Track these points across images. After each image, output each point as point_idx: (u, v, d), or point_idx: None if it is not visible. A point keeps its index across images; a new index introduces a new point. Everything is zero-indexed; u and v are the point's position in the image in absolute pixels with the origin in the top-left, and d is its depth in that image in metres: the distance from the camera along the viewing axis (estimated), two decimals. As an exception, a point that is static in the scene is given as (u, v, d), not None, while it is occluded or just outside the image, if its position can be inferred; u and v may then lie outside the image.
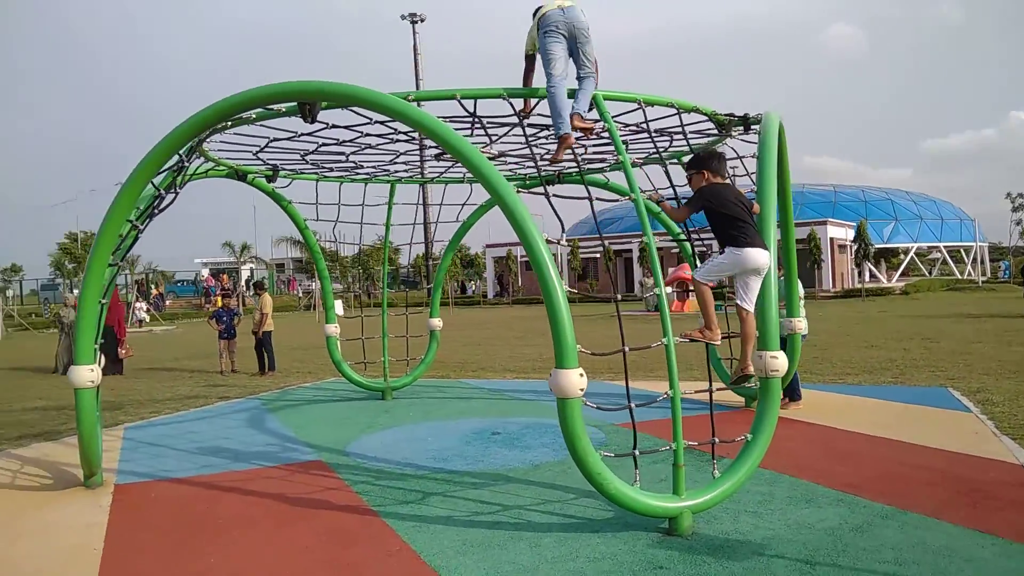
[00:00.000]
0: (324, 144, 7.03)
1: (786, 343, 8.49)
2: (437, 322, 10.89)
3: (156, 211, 6.98)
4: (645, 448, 5.27)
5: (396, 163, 8.50)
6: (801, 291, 8.79)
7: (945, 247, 54.60)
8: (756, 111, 6.72)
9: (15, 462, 7.42)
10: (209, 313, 20.99)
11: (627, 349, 5.02)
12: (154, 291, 44.92)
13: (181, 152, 6.23)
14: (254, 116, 5.91)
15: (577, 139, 5.66)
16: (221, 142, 7.12)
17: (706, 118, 6.65)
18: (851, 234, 41.48)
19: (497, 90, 5.51)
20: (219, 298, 24.48)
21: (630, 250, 46.33)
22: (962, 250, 55.58)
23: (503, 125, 6.19)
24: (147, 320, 35.26)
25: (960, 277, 52.28)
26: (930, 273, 56.18)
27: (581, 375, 4.60)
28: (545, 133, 6.82)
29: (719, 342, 5.49)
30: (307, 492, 6.09)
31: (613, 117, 6.36)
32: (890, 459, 6.51)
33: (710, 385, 5.41)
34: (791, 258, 8.29)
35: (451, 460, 6.95)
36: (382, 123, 6.15)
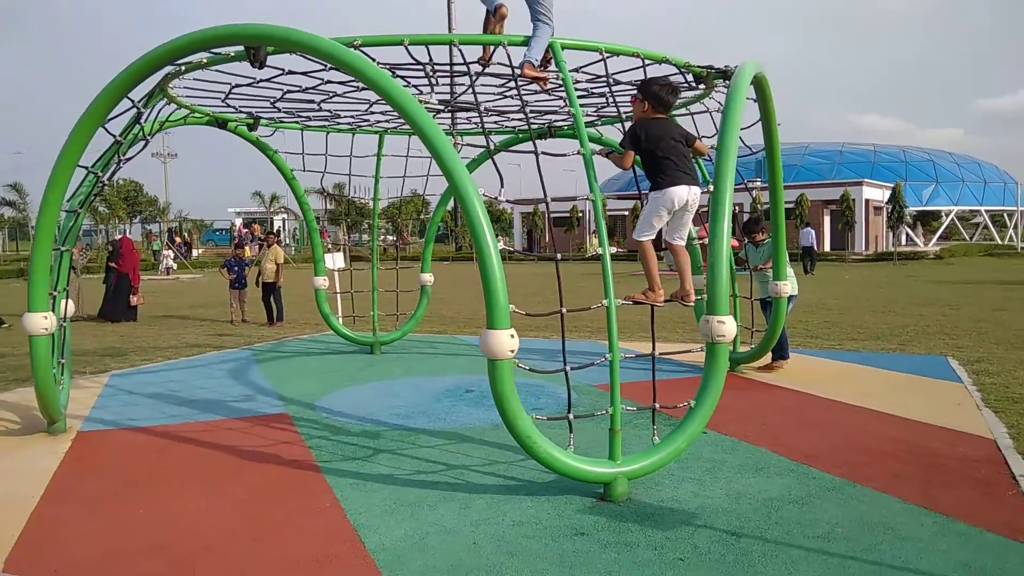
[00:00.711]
0: (290, 91, 6.87)
1: (771, 305, 8.30)
2: (428, 277, 10.80)
3: (120, 159, 6.92)
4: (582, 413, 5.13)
5: (377, 113, 8.30)
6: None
7: (987, 211, 53.00)
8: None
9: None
10: (221, 263, 21.20)
11: (564, 311, 4.86)
12: (176, 239, 45.47)
13: (136, 100, 6.12)
14: (205, 60, 5.76)
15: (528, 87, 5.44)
16: (196, 89, 6.99)
17: (678, 71, 6.34)
18: (888, 195, 40.37)
19: (448, 36, 5.29)
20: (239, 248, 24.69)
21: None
22: (1005, 214, 53.87)
23: (465, 74, 5.94)
24: (175, 268, 35.75)
25: (1000, 242, 50.76)
26: (971, 238, 54.60)
27: (512, 336, 4.47)
28: (503, 84, 6.57)
29: (662, 303, 5.29)
30: (260, 445, 6.08)
31: (578, 69, 6.15)
32: (861, 430, 6.31)
33: (653, 349, 5.23)
34: (779, 220, 8.02)
35: (415, 417, 6.90)
36: (338, 69, 5.95)
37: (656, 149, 5.04)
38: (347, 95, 7.01)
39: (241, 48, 5.32)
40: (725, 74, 6.49)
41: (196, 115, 8.04)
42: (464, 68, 5.29)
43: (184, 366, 10.05)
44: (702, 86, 6.90)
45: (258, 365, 9.94)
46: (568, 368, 4.84)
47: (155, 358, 10.76)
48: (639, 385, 7.78)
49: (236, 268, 16.53)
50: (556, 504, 4.74)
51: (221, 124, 8.52)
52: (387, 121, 8.98)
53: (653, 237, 5.18)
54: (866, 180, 44.44)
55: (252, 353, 11.01)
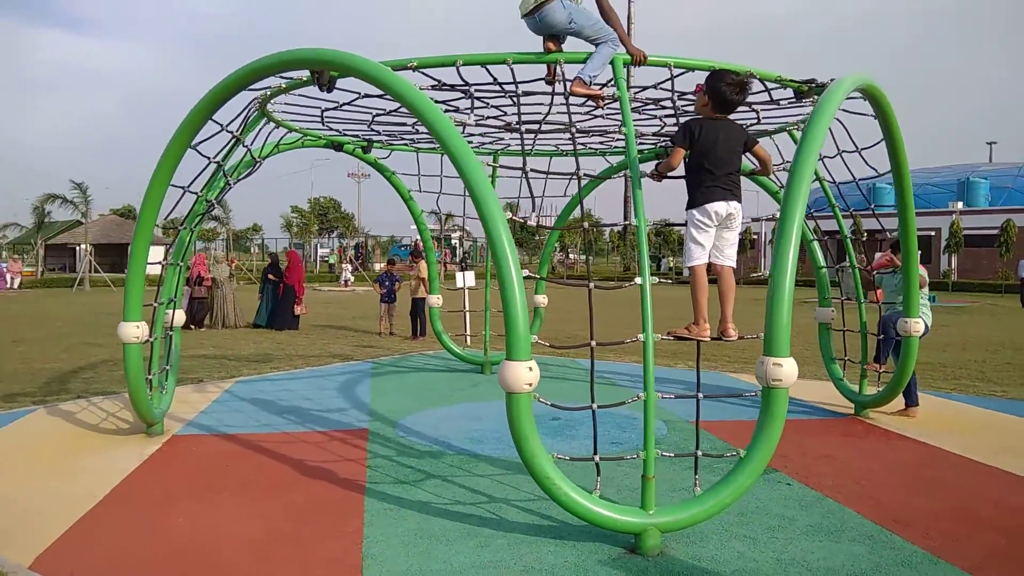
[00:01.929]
0: (379, 114, 6.98)
1: (900, 346, 7.41)
2: (542, 299, 10.62)
3: (229, 181, 7.33)
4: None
5: (477, 135, 8.27)
6: (925, 289, 7.58)
7: None
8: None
9: (117, 404, 8.19)
10: (375, 277, 22.17)
11: (594, 344, 4.51)
12: (338, 251, 48.37)
13: (232, 125, 6.45)
14: (284, 85, 5.97)
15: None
16: (303, 114, 7.28)
17: (775, 87, 5.77)
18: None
19: (501, 55, 5.13)
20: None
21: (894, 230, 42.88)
22: None
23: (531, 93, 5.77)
24: (352, 280, 37.94)
25: None
26: None
27: (531, 368, 4.21)
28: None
29: (707, 339, 4.77)
30: (322, 460, 6.16)
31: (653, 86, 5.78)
32: (978, 494, 5.41)
33: (697, 389, 4.75)
34: (911, 249, 7.12)
35: (486, 443, 6.73)
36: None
37: (705, 154, 4.60)
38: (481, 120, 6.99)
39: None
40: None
41: (311, 138, 8.37)
42: (513, 88, 5.11)
43: (306, 376, 10.50)
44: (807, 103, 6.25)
45: (371, 379, 10.18)
46: (595, 406, 4.48)
47: (287, 366, 11.34)
48: (731, 425, 7.18)
49: (387, 283, 17.23)
50: (580, 552, 4.39)
51: (337, 147, 8.83)
52: (491, 142, 8.94)
53: (704, 261, 4.70)
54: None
55: (372, 366, 11.32)
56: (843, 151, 7.03)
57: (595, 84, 5.28)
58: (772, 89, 5.86)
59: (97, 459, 6.18)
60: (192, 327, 16.88)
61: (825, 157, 7.37)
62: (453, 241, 60.24)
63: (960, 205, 42.76)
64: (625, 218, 48.65)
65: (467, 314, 11.95)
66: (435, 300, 10.59)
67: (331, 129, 7.90)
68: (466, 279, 12.33)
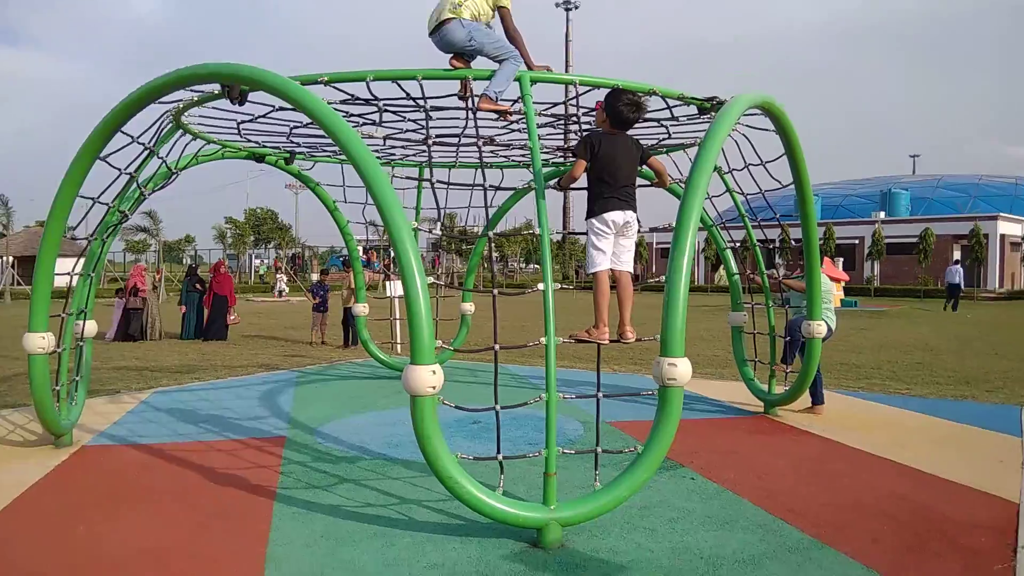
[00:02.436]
0: (296, 126, 6.99)
1: (805, 347, 7.73)
2: (469, 307, 10.72)
3: (143, 192, 7.25)
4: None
5: (398, 147, 8.33)
6: (831, 287, 7.93)
7: None
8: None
9: (26, 416, 7.97)
10: (308, 285, 21.98)
11: (497, 348, 4.64)
12: (274, 263, 47.87)
13: (144, 138, 6.42)
14: (195, 98, 5.97)
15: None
16: (220, 124, 7.23)
17: (675, 104, 6.00)
18: (1024, 229, 37.33)
19: (411, 72, 5.23)
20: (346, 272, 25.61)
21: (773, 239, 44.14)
22: None
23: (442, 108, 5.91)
24: (287, 291, 37.41)
25: None
26: None
27: (434, 372, 4.28)
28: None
29: (607, 341, 4.96)
30: (236, 468, 6.13)
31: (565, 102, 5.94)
32: (869, 485, 5.70)
33: (597, 390, 4.91)
34: (813, 257, 7.43)
35: (403, 447, 6.78)
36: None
37: (604, 167, 4.82)
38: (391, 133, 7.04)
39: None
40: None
41: (231, 150, 8.31)
42: (422, 103, 5.25)
43: (227, 386, 10.37)
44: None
45: (295, 387, 10.13)
46: (498, 407, 4.60)
47: (210, 377, 11.18)
48: (646, 425, 7.37)
49: (321, 292, 17.14)
50: (484, 547, 4.49)
51: (259, 159, 8.79)
52: (415, 155, 9.02)
53: (606, 267, 4.90)
54: (1002, 214, 41.27)
55: (298, 375, 11.26)
56: (749, 164, 7.33)
57: (504, 100, 5.44)
58: (675, 106, 6.08)
59: (-1, 472, 6.04)
60: (132, 338, 16.55)
61: (734, 170, 7.70)
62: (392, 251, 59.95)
63: (882, 215, 44.46)
64: (564, 226, 49.17)
65: (396, 322, 11.98)
66: (361, 309, 10.60)
67: (250, 141, 7.87)
68: (394, 287, 12.36)
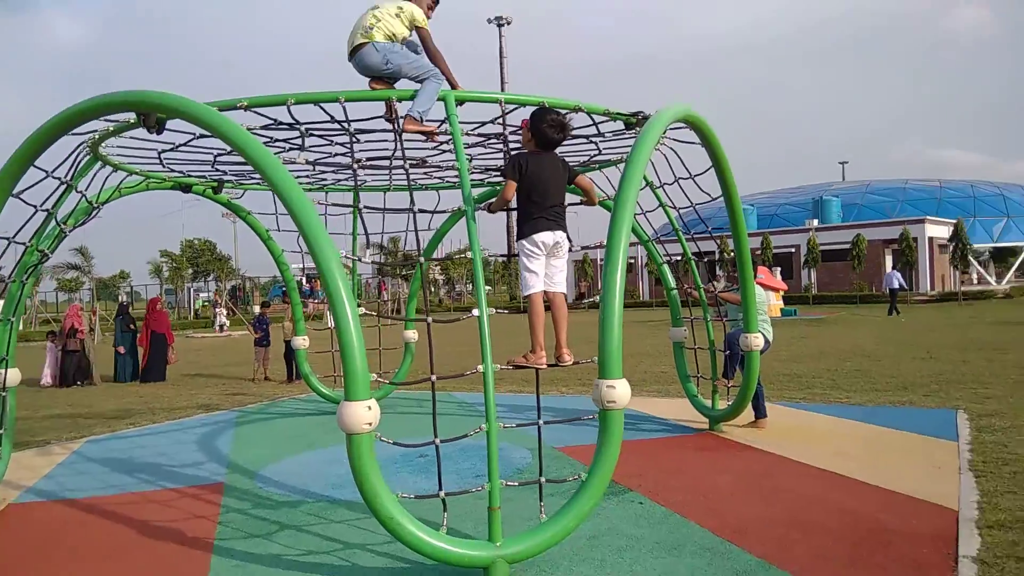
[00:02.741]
0: (222, 153, 6.81)
1: (744, 361, 7.80)
2: (412, 335, 10.58)
3: (63, 228, 6.98)
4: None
5: (329, 171, 8.20)
6: (765, 297, 8.05)
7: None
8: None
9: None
10: (251, 318, 21.50)
11: (434, 378, 4.54)
12: (214, 295, 47.01)
13: (60, 172, 6.18)
14: (111, 128, 5.77)
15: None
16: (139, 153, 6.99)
17: (602, 120, 6.03)
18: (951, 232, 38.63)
19: (333, 94, 5.14)
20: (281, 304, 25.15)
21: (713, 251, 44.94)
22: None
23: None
24: (227, 325, 36.57)
25: (1083, 277, 47.82)
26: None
27: (370, 408, 4.17)
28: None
29: (544, 366, 4.93)
30: (170, 519, 5.88)
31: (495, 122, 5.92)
32: (813, 499, 5.74)
33: (538, 417, 4.85)
34: (745, 268, 7.53)
35: (346, 488, 6.57)
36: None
37: (532, 187, 4.80)
38: (280, 156, 6.88)
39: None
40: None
41: (155, 180, 8.08)
42: (345, 127, 5.14)
43: (164, 430, 10.02)
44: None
45: (234, 428, 9.84)
46: (438, 441, 4.49)
47: (146, 421, 10.79)
48: (629, 444, 7.30)
49: (264, 326, 16.72)
50: (430, 590, 4.37)
51: (186, 189, 8.56)
52: (346, 179, 8.89)
53: (539, 289, 4.87)
54: (929, 217, 42.74)
55: (238, 415, 10.95)
56: (680, 178, 7.41)
57: (431, 120, 5.38)
58: (602, 122, 6.10)
59: (-85, 538, 5.68)
60: (74, 383, 15.94)
61: (665, 184, 7.78)
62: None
63: (815, 222, 45.63)
64: (508, 248, 49.21)
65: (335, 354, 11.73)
66: (300, 342, 10.37)
67: (174, 171, 7.65)
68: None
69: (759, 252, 41.39)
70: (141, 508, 6.24)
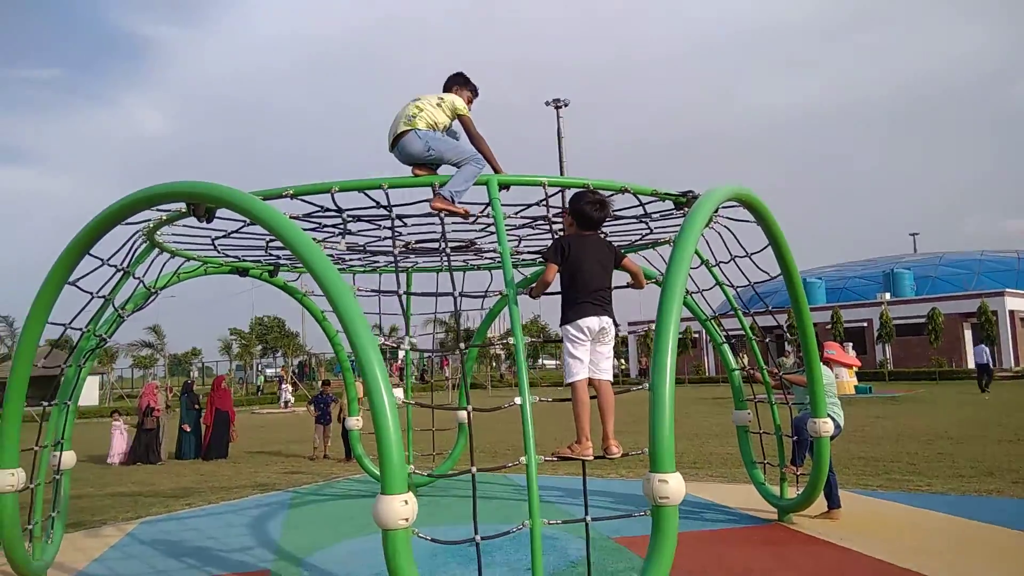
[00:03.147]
0: (275, 239, 6.89)
1: (813, 447, 7.36)
2: (465, 414, 10.37)
3: (122, 314, 7.12)
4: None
5: (379, 255, 8.24)
6: (833, 378, 7.64)
7: None
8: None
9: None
10: (309, 398, 21.63)
11: (474, 471, 4.35)
12: (281, 371, 47.75)
13: (116, 259, 6.34)
14: (164, 217, 5.90)
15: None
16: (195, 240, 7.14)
17: (650, 200, 5.90)
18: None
19: (376, 181, 5.16)
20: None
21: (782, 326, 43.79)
22: None
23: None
24: (292, 401, 36.98)
25: None
26: None
27: (406, 503, 4.00)
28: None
29: (591, 457, 4.68)
30: (212, 610, 5.74)
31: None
32: (893, 602, 5.26)
33: (585, 513, 4.58)
34: (811, 350, 7.17)
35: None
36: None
37: (576, 271, 4.66)
38: (328, 241, 6.95)
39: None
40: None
41: (212, 265, 8.23)
42: (387, 211, 5.15)
43: (218, 511, 9.96)
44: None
45: (287, 511, 9.72)
46: (479, 538, 4.27)
47: (202, 502, 10.78)
48: (681, 537, 6.91)
49: (322, 404, 16.77)
50: None
51: (243, 273, 8.70)
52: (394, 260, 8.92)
53: (584, 376, 4.67)
54: (1009, 290, 40.98)
55: (292, 496, 10.85)
56: (736, 256, 7.19)
57: (471, 203, 5.38)
58: (650, 203, 5.97)
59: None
60: (146, 461, 16.15)
61: (721, 262, 7.56)
62: (400, 355, 59.84)
63: (887, 296, 44.24)
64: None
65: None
66: (354, 422, 10.30)
67: (229, 256, 7.78)
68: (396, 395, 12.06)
69: (829, 327, 40.20)
70: (184, 597, 6.11)
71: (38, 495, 6.55)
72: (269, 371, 58.76)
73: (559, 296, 4.91)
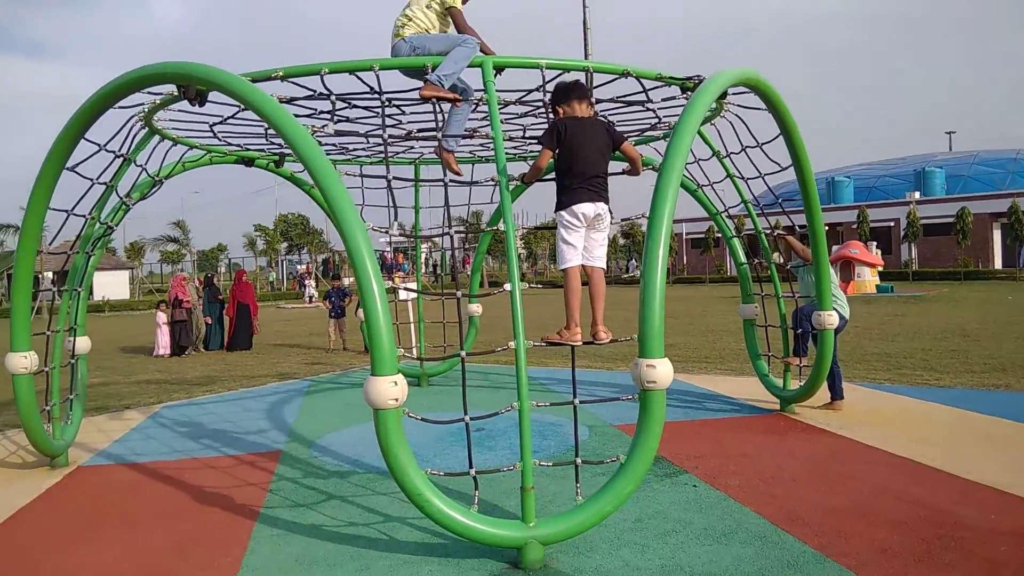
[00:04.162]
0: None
1: (818, 339, 7.35)
2: (476, 308, 10.48)
3: (126, 202, 7.15)
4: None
5: (408, 140, 8.11)
6: (835, 279, 7.55)
7: None
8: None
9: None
10: (323, 293, 21.89)
11: (464, 354, 4.40)
12: (305, 267, 48.17)
13: (112, 146, 6.30)
14: (157, 101, 5.82)
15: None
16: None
17: (653, 85, 5.69)
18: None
19: (367, 62, 5.01)
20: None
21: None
22: None
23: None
24: (316, 296, 37.53)
25: None
26: None
27: (395, 384, 4.07)
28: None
29: (579, 343, 4.69)
30: (223, 486, 5.98)
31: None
32: (883, 488, 5.34)
33: (574, 396, 4.64)
34: (819, 244, 7.06)
35: (398, 459, 6.57)
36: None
37: (572, 155, 4.55)
38: (344, 128, 6.80)
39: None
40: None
41: (217, 154, 8.17)
42: (377, 96, 5.03)
43: (237, 398, 10.27)
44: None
45: (303, 397, 10.00)
46: (468, 418, 4.36)
47: (223, 388, 11.11)
48: (683, 426, 7.09)
49: (334, 299, 17.04)
50: (462, 569, 4.25)
51: (248, 163, 8.63)
52: (404, 151, 8.82)
53: (577, 263, 4.63)
54: (1042, 188, 39.86)
55: (309, 384, 11.14)
56: (747, 147, 7.00)
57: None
58: (653, 88, 5.76)
59: (-10, 495, 5.95)
60: (183, 351, 16.50)
61: (732, 153, 7.38)
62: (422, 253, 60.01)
63: (917, 195, 43.26)
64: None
65: (411, 326, 11.78)
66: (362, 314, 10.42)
67: (231, 144, 7.70)
68: (408, 292, 12.17)
69: (855, 226, 39.56)
70: (198, 474, 6.37)
71: (54, 378, 6.77)
72: (299, 267, 59.36)
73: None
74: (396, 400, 4.06)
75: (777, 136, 6.47)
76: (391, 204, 5.09)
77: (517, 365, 4.37)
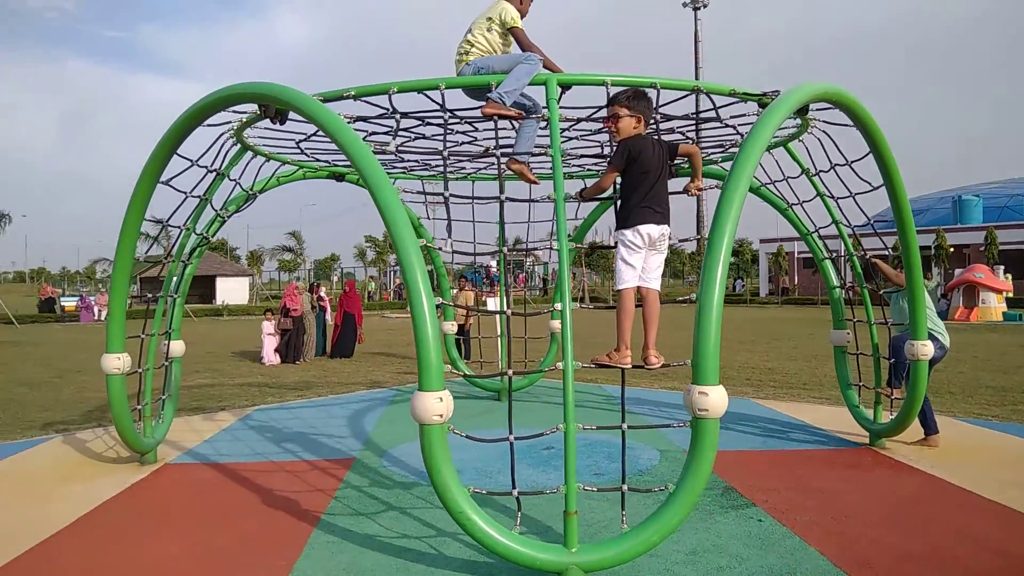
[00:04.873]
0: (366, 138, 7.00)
1: (911, 370, 6.93)
2: (558, 324, 10.41)
3: (223, 215, 7.53)
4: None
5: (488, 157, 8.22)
6: (931, 304, 7.08)
7: None
8: None
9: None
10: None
11: (510, 373, 4.37)
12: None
13: (205, 161, 6.66)
14: (244, 119, 6.11)
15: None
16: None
17: (730, 103, 5.52)
18: None
19: (434, 81, 5.10)
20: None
21: (929, 246, 40.79)
22: None
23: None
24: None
25: None
26: None
27: (441, 399, 4.10)
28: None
29: (629, 366, 4.56)
30: (292, 490, 6.16)
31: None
32: (966, 533, 4.96)
33: (622, 420, 4.52)
34: (914, 269, 6.65)
35: (464, 473, 6.55)
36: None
37: (641, 175, 4.51)
38: (406, 145, 6.97)
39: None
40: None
41: (310, 169, 8.49)
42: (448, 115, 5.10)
43: (325, 404, 10.60)
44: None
45: (386, 407, 10.21)
46: (512, 438, 4.33)
47: (313, 395, 11.50)
48: (760, 456, 6.84)
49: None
50: (503, 590, 4.23)
51: (339, 178, 8.93)
52: (485, 168, 8.91)
53: (633, 284, 4.54)
54: None
55: (395, 393, 11.36)
56: (836, 164, 6.70)
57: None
58: (726, 104, 5.60)
59: (81, 487, 6.33)
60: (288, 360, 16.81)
61: (821, 171, 7.08)
62: (527, 266, 60.36)
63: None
64: (699, 231, 47.56)
65: (499, 339, 11.86)
66: (448, 327, 10.57)
67: (319, 160, 7.98)
68: (494, 303, 12.28)
69: (983, 249, 37.12)
70: (272, 476, 6.60)
71: (147, 379, 7.17)
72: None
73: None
74: (441, 416, 4.09)
75: (867, 154, 6.16)
76: (448, 218, 5.14)
77: (565, 385, 4.31)
